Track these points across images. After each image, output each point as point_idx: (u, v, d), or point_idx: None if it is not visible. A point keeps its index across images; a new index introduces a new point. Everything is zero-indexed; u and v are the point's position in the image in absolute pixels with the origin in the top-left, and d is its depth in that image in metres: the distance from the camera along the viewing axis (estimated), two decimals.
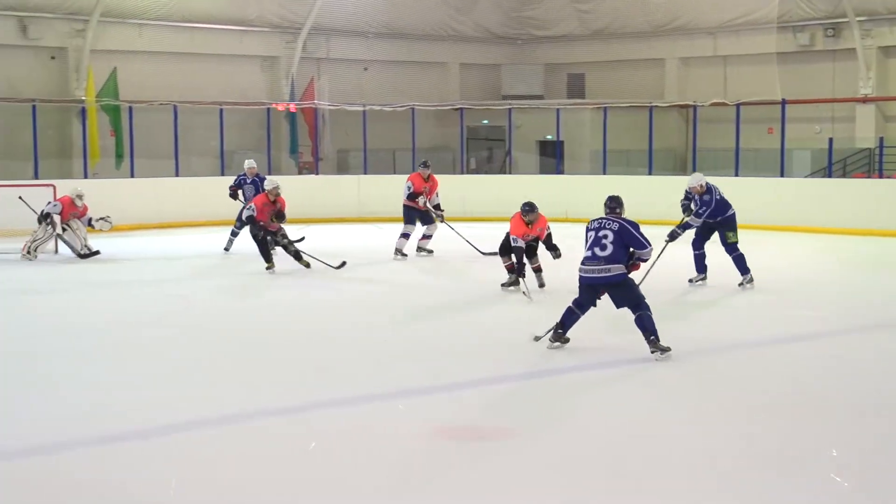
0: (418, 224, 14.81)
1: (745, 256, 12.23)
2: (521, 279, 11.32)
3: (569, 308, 8.38)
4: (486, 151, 27.23)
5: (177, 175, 20.52)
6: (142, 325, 9.97)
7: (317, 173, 23.10)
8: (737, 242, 12.22)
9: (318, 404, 6.99)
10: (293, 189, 20.60)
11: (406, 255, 14.74)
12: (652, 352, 7.99)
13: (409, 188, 14.63)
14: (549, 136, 24.64)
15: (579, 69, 27.63)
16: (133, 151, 20.76)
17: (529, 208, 11.41)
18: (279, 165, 23.24)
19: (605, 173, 21.79)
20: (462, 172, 24.03)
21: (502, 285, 11.71)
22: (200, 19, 23.56)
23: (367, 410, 6.88)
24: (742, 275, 12.18)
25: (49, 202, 14.94)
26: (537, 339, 8.60)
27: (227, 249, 15.32)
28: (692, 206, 12.24)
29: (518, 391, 7.52)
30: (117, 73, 21.14)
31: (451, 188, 18.88)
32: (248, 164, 15.65)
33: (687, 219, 12.22)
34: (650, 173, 21.21)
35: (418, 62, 26.95)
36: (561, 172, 23.27)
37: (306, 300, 11.66)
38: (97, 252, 14.87)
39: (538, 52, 28.22)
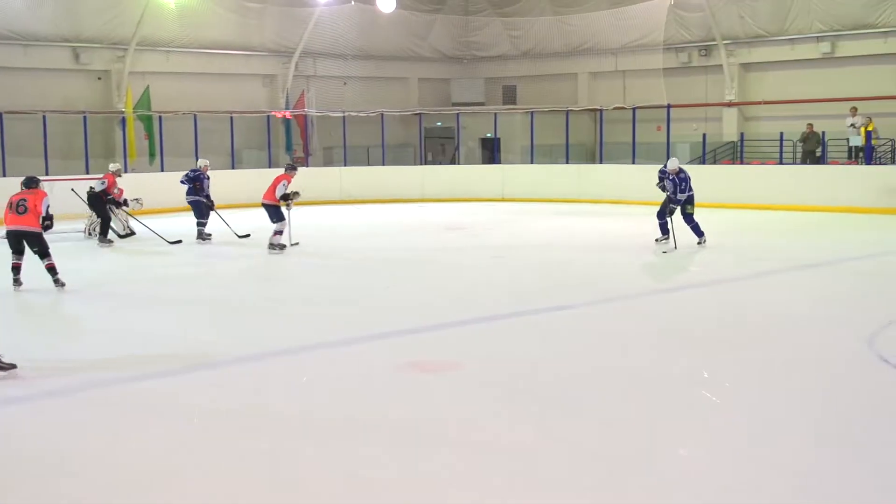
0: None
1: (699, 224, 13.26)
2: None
3: None
4: (440, 147, 28.29)
5: None
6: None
7: (307, 165, 24.54)
8: (693, 213, 13.15)
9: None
10: None
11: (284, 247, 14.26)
12: None
13: (284, 186, 13.91)
14: (488, 134, 26.33)
15: (512, 81, 29.28)
16: (163, 151, 22.55)
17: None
18: (277, 160, 23.99)
19: (532, 163, 24.17)
20: (421, 163, 26.01)
21: None
22: (215, 46, 25.01)
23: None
24: (698, 237, 13.26)
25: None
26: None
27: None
28: (666, 184, 12.78)
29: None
30: (150, 89, 23.05)
31: (412, 176, 22.48)
32: (202, 162, 15.84)
33: (672, 195, 12.71)
34: (567, 162, 23.73)
35: (386, 77, 28.15)
36: (498, 162, 25.14)
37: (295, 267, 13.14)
38: (133, 233, 15.86)
39: (480, 69, 29.72)
